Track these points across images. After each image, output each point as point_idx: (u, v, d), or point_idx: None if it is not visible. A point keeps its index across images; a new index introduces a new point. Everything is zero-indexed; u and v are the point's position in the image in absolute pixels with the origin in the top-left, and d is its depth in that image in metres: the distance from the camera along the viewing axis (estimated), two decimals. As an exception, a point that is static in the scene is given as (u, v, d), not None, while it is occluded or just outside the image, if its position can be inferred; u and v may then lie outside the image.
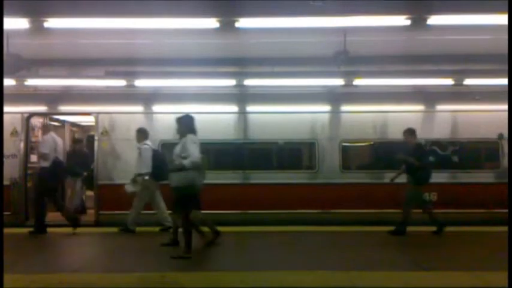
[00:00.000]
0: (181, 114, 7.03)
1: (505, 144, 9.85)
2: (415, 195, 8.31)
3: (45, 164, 8.55)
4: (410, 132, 8.52)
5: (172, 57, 9.35)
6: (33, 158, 10.49)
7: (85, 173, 10.94)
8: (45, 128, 9.16)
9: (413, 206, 8.32)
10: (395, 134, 9.81)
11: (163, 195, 8.68)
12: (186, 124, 6.87)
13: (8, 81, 9.24)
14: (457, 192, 9.71)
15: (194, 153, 6.50)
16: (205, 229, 7.54)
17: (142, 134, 8.76)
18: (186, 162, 6.46)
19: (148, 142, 8.65)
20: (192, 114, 7.03)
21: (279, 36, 8.29)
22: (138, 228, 8.53)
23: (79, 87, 10.49)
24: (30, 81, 10.01)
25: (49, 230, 8.60)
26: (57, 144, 8.76)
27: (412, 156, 8.29)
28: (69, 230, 8.56)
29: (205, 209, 9.33)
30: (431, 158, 8.75)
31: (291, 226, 8.89)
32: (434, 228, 8.30)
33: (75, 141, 11.59)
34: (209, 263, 6.44)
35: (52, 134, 8.92)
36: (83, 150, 11.46)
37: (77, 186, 10.90)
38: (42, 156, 8.63)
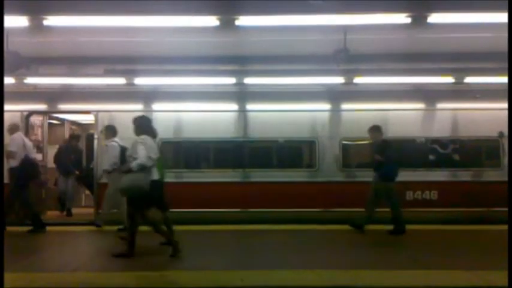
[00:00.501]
0: (138, 115, 7.02)
1: (506, 142, 9.84)
2: (386, 191, 8.32)
3: (15, 163, 8.42)
4: (375, 128, 8.61)
5: (172, 55, 9.33)
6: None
7: (77, 172, 10.89)
8: (13, 128, 8.86)
9: (398, 201, 8.39)
10: (396, 132, 9.86)
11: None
12: (139, 125, 6.82)
13: (7, 80, 9.22)
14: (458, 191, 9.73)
15: (141, 155, 6.43)
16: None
17: (110, 131, 8.79)
18: (133, 164, 6.43)
19: (116, 139, 8.64)
20: (147, 115, 7.06)
21: (279, 34, 8.27)
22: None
23: (79, 85, 10.48)
24: (30, 80, 10.00)
25: (48, 229, 8.59)
26: (26, 143, 8.64)
27: (377, 153, 8.39)
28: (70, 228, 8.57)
29: (206, 208, 9.47)
30: (395, 154, 8.72)
31: (291, 224, 8.89)
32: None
33: (71, 137, 11.43)
34: (209, 262, 6.43)
35: (20, 134, 8.81)
36: (78, 147, 11.31)
37: (68, 185, 10.80)
38: (10, 155, 8.46)
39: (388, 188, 8.32)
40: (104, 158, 8.61)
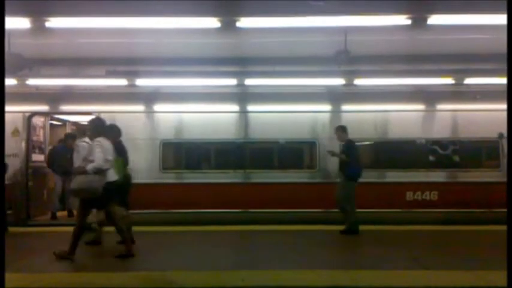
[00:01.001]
0: (92, 117, 6.94)
1: (505, 143, 9.85)
2: (347, 191, 8.36)
3: None
4: (341, 129, 8.67)
5: (173, 56, 9.37)
6: (35, 157, 10.50)
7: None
8: None
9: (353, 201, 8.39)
10: (396, 133, 9.89)
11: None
12: (94, 127, 6.75)
13: (9, 81, 9.25)
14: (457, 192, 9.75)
15: (98, 158, 6.34)
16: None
17: (80, 131, 8.78)
18: (89, 167, 6.34)
19: (86, 139, 8.51)
20: (103, 116, 6.92)
21: (280, 36, 8.31)
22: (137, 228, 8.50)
23: (80, 86, 10.51)
24: (32, 81, 10.04)
25: (48, 229, 8.59)
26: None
27: (343, 153, 8.45)
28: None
29: (207, 208, 9.50)
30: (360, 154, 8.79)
31: (291, 225, 8.91)
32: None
33: (67, 136, 10.96)
34: (209, 262, 6.45)
35: None
36: (73, 147, 11.10)
37: (66, 185, 10.62)
38: None
39: (349, 188, 8.36)
40: (75, 158, 8.52)
